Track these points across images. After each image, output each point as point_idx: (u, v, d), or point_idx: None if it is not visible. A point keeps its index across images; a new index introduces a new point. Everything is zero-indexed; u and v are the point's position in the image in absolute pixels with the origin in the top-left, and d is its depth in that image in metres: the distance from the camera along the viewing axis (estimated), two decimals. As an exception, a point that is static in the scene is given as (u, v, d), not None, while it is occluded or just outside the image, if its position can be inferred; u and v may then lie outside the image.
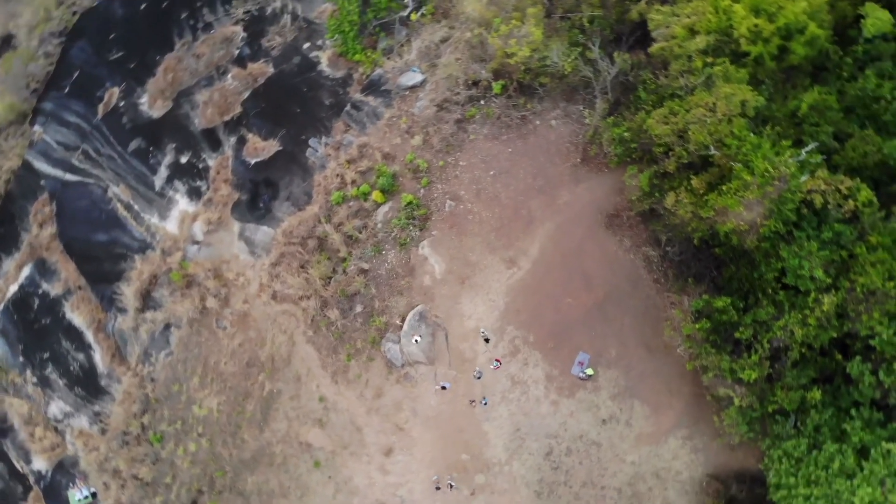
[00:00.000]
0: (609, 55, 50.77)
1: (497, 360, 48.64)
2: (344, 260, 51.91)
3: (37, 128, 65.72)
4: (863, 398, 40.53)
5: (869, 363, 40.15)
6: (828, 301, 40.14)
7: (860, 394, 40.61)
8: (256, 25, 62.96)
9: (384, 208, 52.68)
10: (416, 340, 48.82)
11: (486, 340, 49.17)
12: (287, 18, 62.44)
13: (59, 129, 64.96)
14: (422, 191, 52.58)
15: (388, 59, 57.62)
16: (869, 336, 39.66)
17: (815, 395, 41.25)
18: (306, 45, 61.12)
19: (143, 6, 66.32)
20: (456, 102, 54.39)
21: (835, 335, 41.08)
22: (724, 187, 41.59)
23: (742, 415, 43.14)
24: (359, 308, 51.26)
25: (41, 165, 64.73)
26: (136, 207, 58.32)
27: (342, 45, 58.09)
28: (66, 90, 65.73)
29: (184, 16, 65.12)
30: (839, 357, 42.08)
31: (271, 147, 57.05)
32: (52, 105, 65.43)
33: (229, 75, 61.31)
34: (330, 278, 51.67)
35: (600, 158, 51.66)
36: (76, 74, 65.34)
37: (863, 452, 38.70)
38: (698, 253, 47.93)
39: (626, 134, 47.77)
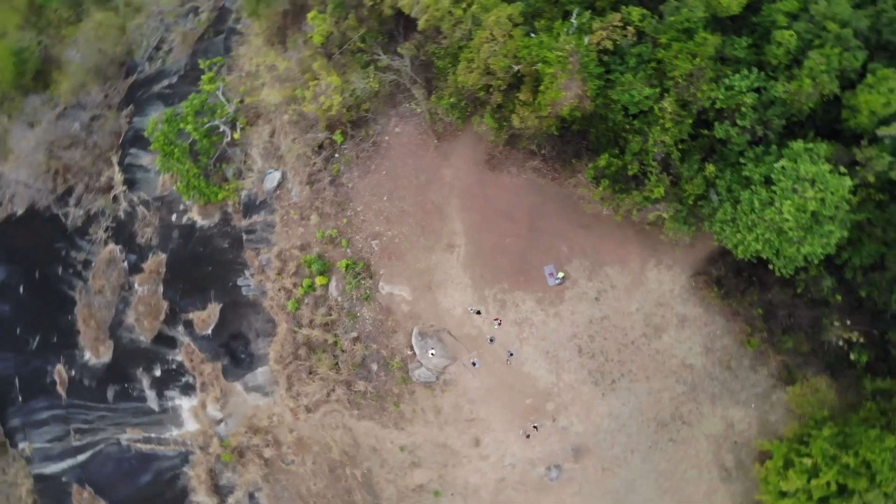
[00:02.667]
0: (395, 53, 59.42)
1: (496, 320, 57.68)
2: (335, 343, 59.32)
3: (22, 445, 68.71)
4: (740, 146, 51.48)
5: (727, 121, 51.00)
6: (668, 103, 50.66)
7: (736, 144, 51.55)
8: (123, 233, 68.28)
9: (332, 285, 60.29)
10: (432, 353, 57.22)
11: (478, 313, 58.04)
12: (140, 209, 68.17)
13: (41, 431, 68.33)
14: (348, 250, 60.45)
15: (244, 179, 64.65)
16: (712, 103, 50.50)
17: (710, 169, 51.96)
18: (174, 217, 66.95)
19: (22, 291, 72.12)
20: (319, 171, 62.16)
21: (691, 121, 51.60)
22: (541, 87, 51.30)
23: (676, 221, 53.64)
24: (374, 367, 59.09)
25: (51, 468, 67.96)
26: (153, 436, 63.48)
27: (201, 197, 64.39)
28: (20, 399, 69.74)
29: (60, 272, 70.77)
30: (707, 132, 52.87)
31: (213, 311, 63.21)
32: (19, 419, 69.37)
33: (136, 286, 66.59)
34: (336, 364, 59.03)
35: (449, 129, 60.70)
36: (16, 382, 70.15)
37: (768, 182, 49.72)
38: (565, 139, 57.81)
39: (451, 100, 56.70)
